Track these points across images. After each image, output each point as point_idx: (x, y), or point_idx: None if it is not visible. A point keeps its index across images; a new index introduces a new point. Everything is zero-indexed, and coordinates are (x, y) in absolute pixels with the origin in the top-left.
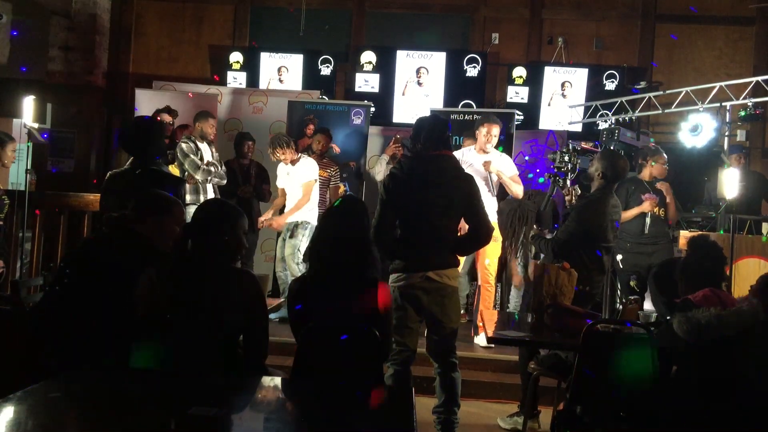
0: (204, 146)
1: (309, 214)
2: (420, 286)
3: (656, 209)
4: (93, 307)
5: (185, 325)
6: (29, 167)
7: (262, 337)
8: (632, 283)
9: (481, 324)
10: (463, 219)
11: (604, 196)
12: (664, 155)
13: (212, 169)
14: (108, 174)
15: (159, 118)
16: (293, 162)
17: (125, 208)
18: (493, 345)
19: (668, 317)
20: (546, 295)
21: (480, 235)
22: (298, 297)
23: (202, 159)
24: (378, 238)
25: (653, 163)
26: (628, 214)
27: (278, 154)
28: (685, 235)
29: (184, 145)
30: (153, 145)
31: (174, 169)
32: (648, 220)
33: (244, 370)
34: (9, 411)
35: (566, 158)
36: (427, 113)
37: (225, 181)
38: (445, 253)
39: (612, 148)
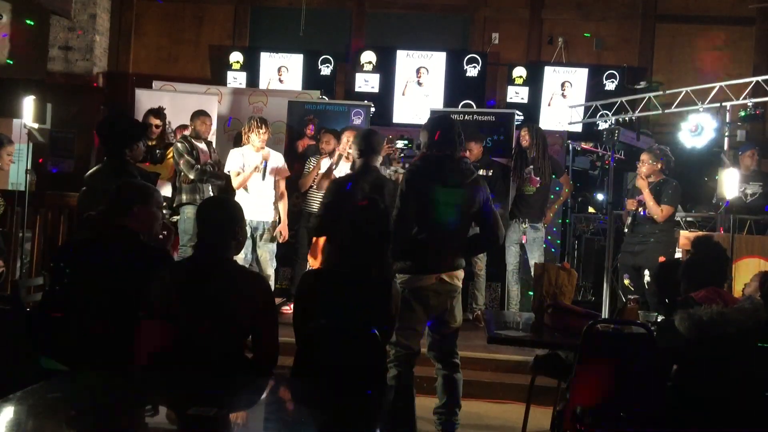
0: (202, 146)
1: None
2: (432, 288)
3: (642, 209)
4: (94, 307)
5: (196, 325)
6: (29, 167)
7: (272, 339)
8: (626, 282)
9: None
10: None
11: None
12: (648, 153)
13: (208, 168)
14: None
15: (150, 120)
16: (261, 150)
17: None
18: None
19: (669, 317)
20: (546, 295)
21: (491, 238)
22: (310, 291)
23: (198, 159)
24: (400, 230)
25: (640, 162)
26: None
27: (260, 135)
28: (685, 235)
29: (179, 145)
30: (114, 141)
31: (160, 168)
32: (629, 219)
33: (252, 372)
34: (9, 411)
35: (398, 145)
36: (428, 113)
37: (222, 182)
38: (457, 255)
39: (610, 146)
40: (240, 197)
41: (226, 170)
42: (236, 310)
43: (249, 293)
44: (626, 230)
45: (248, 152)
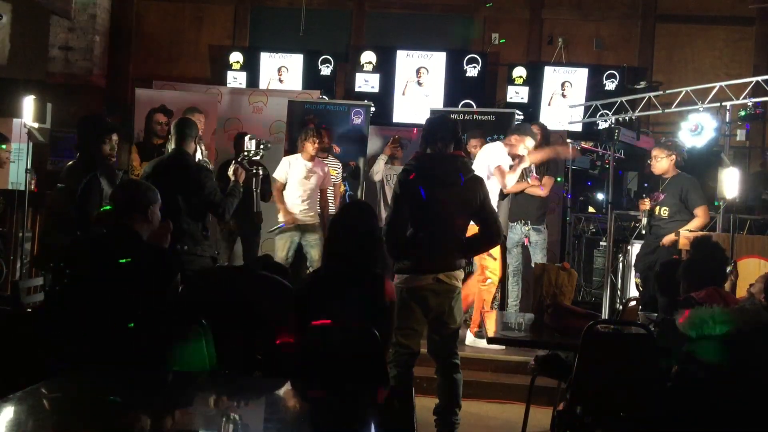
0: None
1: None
2: (430, 287)
3: (657, 209)
4: (99, 307)
5: (221, 329)
6: (29, 167)
7: (290, 347)
8: (636, 281)
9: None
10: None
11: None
12: (659, 148)
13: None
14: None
15: (156, 117)
16: (312, 158)
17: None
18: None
19: (669, 316)
20: (546, 295)
21: (490, 237)
22: (308, 292)
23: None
24: (391, 235)
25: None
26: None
27: (315, 145)
28: (685, 235)
29: None
30: (81, 137)
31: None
32: (644, 219)
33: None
34: (9, 411)
35: (252, 146)
36: (428, 113)
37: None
38: (455, 255)
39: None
40: (289, 200)
41: (274, 175)
42: (260, 316)
43: (272, 299)
44: (643, 231)
45: (295, 161)
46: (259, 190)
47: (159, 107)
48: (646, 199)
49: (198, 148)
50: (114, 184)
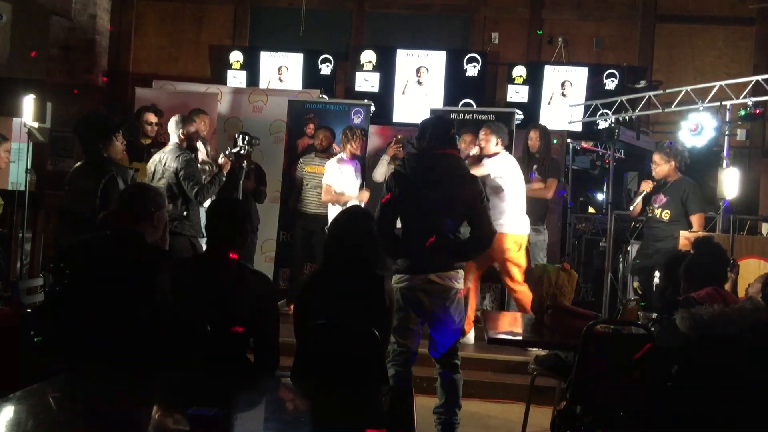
0: (199, 145)
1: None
2: (422, 288)
3: (658, 211)
4: (99, 307)
5: (201, 322)
6: (29, 167)
7: (274, 339)
8: (635, 285)
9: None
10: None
11: None
12: (658, 153)
13: (206, 167)
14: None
15: (146, 117)
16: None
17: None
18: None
19: (670, 315)
20: (546, 295)
21: (482, 239)
22: (308, 290)
23: (196, 158)
24: (380, 230)
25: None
26: (635, 212)
27: (356, 143)
28: (685, 235)
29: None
30: (88, 138)
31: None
32: (638, 199)
33: (255, 373)
34: (9, 411)
35: (239, 142)
36: (428, 113)
37: (224, 177)
38: (446, 255)
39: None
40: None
41: (324, 182)
42: (241, 309)
43: (254, 293)
44: (631, 208)
45: (345, 168)
46: (241, 182)
47: (150, 106)
48: (649, 180)
49: (204, 148)
50: (128, 184)
